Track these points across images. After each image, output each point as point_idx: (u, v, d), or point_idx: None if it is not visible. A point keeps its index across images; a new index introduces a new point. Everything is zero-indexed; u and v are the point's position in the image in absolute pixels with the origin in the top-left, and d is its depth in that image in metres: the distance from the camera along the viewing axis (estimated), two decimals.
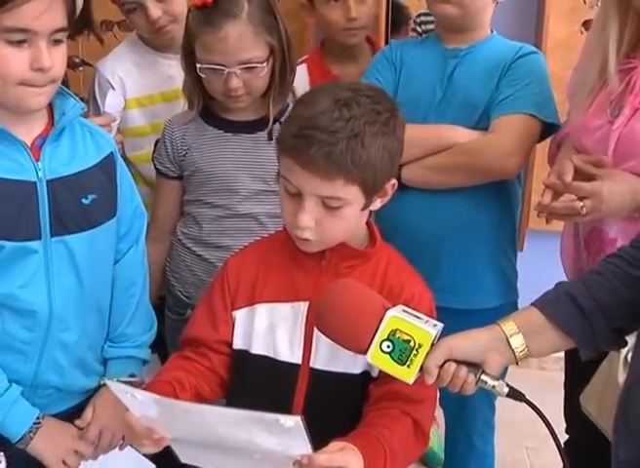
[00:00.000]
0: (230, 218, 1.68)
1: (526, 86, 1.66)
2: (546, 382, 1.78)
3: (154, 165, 1.77)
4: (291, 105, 1.71)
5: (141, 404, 1.07)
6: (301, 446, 1.01)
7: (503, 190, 1.77)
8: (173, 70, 1.80)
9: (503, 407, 1.96)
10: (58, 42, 1.24)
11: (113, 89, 1.84)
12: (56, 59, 1.24)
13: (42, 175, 1.30)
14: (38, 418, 1.35)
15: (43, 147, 1.31)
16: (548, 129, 1.67)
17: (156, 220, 1.76)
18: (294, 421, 0.96)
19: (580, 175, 1.42)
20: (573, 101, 1.53)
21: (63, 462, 1.37)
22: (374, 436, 1.16)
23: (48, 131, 1.32)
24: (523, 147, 1.65)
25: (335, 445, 1.09)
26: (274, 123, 1.67)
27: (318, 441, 1.07)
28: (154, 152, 1.77)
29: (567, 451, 1.69)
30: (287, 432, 0.97)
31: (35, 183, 1.29)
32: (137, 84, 1.88)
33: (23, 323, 1.31)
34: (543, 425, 1.08)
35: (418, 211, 1.72)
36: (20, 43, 1.20)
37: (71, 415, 1.43)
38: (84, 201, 1.35)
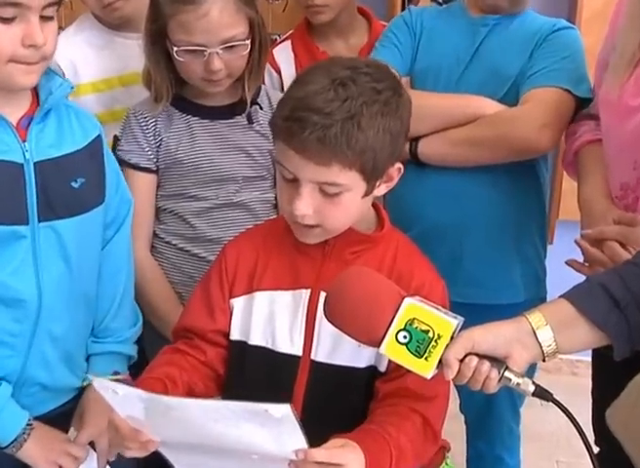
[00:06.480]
0: (221, 209, 1.62)
1: (562, 59, 1.60)
2: (579, 389, 1.67)
3: (122, 159, 1.59)
4: (265, 87, 1.68)
5: (125, 401, 1.03)
6: (295, 438, 0.98)
7: (531, 173, 1.70)
8: (131, 51, 1.66)
9: (533, 417, 1.86)
10: (48, 19, 1.23)
11: (63, 74, 1.66)
12: (47, 36, 1.22)
13: (29, 156, 1.27)
14: (29, 421, 1.31)
15: (29, 127, 1.28)
16: (580, 107, 1.61)
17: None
18: (284, 409, 0.93)
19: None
20: (605, 76, 1.45)
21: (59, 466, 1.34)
22: (379, 434, 1.11)
23: (33, 111, 1.29)
24: (558, 121, 1.57)
25: (335, 441, 1.06)
26: (251, 105, 1.62)
27: (318, 437, 1.05)
28: (115, 146, 1.62)
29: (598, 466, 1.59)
30: (278, 423, 0.95)
31: (22, 165, 1.26)
32: (92, 67, 1.74)
33: (12, 314, 1.28)
34: (577, 438, 1.00)
35: (438, 195, 1.64)
36: (10, 19, 1.19)
37: (56, 417, 1.39)
38: (73, 185, 1.32)
